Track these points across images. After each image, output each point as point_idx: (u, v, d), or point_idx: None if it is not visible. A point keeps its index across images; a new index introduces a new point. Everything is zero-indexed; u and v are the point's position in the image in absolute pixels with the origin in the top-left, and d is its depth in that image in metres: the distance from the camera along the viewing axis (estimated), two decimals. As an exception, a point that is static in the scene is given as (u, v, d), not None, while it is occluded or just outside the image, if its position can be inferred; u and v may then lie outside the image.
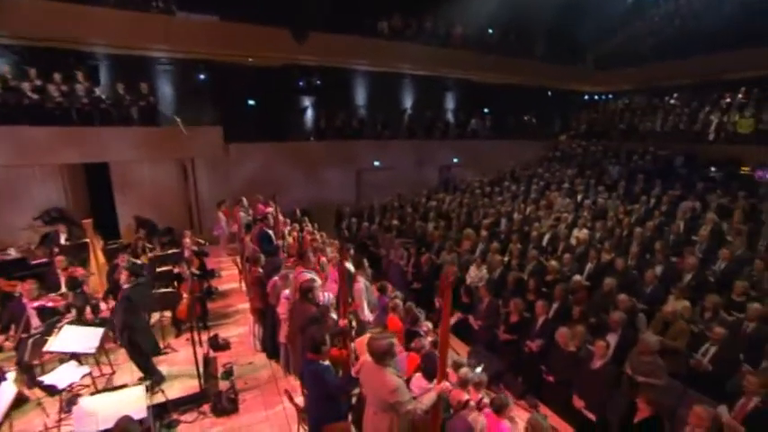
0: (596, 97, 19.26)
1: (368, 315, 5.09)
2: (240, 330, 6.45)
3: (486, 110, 17.21)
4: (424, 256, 7.59)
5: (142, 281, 5.22)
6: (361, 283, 5.19)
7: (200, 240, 9.02)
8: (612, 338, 4.79)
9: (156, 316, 6.38)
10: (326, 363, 3.13)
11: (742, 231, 7.19)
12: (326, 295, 4.35)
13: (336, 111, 14.39)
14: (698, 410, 3.30)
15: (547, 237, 8.43)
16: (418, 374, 4.07)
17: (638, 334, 4.92)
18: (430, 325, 5.11)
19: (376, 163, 14.32)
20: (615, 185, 10.96)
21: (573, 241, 8.11)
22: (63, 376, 4.31)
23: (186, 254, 7.37)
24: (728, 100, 13.30)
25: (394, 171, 14.59)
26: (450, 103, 17.10)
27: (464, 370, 3.53)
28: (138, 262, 7.35)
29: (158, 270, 6.72)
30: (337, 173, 13.85)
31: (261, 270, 5.60)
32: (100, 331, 4.75)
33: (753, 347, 4.56)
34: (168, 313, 6.38)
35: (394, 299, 6.03)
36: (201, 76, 12.77)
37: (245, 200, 8.24)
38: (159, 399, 4.43)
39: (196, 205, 11.99)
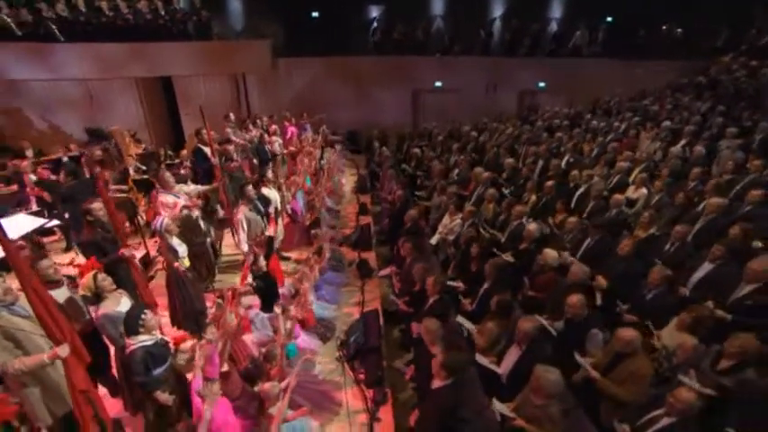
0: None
1: (244, 248, 4.47)
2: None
3: (609, 18, 12.79)
4: (395, 193, 6.33)
5: (80, 181, 5.64)
6: (241, 213, 4.50)
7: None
8: (513, 356, 3.19)
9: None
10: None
11: None
12: (159, 221, 3.81)
13: (407, 22, 12.49)
14: None
15: (581, 191, 6.10)
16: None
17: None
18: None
19: (437, 83, 12.33)
20: (753, 128, 7.07)
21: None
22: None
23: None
24: None
25: (460, 94, 12.40)
26: (555, 10, 13.17)
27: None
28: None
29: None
30: (391, 93, 12.47)
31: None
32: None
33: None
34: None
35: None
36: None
37: (231, 115, 7.91)
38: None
39: (248, 121, 12.42)
